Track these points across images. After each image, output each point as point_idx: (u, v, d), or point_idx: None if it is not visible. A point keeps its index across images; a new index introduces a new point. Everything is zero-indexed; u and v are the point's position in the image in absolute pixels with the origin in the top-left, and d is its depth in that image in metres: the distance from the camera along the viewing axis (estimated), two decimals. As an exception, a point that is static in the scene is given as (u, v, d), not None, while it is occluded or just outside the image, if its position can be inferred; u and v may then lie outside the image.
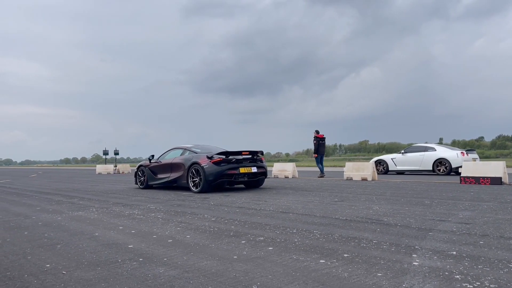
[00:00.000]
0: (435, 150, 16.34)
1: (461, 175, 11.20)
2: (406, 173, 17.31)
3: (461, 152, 15.76)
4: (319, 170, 16.12)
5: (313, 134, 15.81)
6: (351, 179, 13.87)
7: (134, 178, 12.34)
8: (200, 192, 9.64)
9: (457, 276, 2.68)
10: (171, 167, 10.89)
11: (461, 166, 14.49)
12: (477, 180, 10.72)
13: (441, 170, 15.99)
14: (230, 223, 5.07)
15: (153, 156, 12.03)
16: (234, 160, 9.90)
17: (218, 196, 8.72)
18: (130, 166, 30.59)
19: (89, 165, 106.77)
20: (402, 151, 17.54)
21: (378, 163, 17.74)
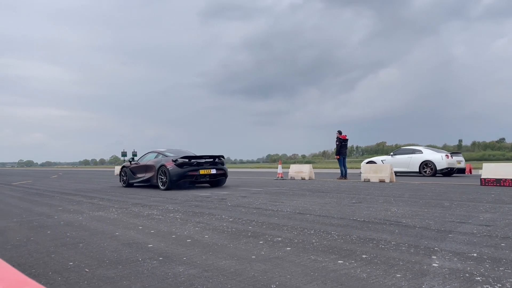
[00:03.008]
0: (422, 153, 17.12)
1: (482, 176, 11.00)
2: (397, 174, 17.73)
3: (446, 155, 16.48)
4: (340, 172, 15.79)
5: (334, 135, 15.64)
6: (368, 180, 13.76)
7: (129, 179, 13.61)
8: (166, 189, 11.31)
9: (478, 278, 2.65)
10: (146, 168, 12.66)
11: (446, 168, 16.40)
12: (498, 181, 10.51)
13: (427, 172, 16.71)
14: (248, 224, 5.10)
15: (133, 158, 14.15)
16: (195, 163, 11.52)
17: (235, 197, 8.77)
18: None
19: (107, 166, 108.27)
20: (391, 153, 18.37)
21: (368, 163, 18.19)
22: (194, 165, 11.52)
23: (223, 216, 5.88)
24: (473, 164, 27.84)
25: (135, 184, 13.56)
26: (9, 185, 15.90)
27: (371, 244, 3.76)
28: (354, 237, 4.14)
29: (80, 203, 8.17)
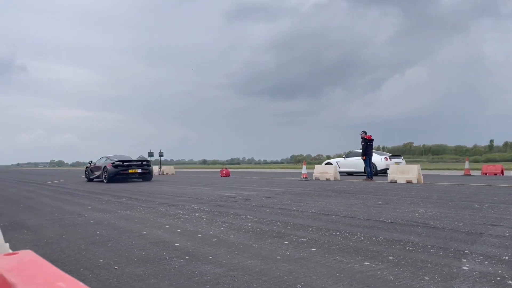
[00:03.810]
0: None
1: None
2: (347, 174, 20.02)
3: (385, 158, 19.01)
4: (366, 172, 15.62)
5: (359, 136, 15.44)
6: (395, 181, 13.54)
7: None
8: (107, 183, 16.45)
9: (510, 282, 2.58)
10: (98, 168, 18.16)
11: (385, 169, 17.89)
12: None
13: None
14: (273, 224, 5.11)
15: (91, 161, 19.54)
16: (126, 165, 17.03)
17: (260, 197, 8.79)
18: (174, 168, 31.44)
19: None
20: (344, 156, 21.11)
21: (328, 165, 20.38)
22: (125, 166, 17.05)
23: (248, 216, 5.91)
24: (505, 165, 26.90)
25: (94, 180, 18.73)
26: (42, 185, 16.44)
27: (398, 246, 3.71)
28: (380, 238, 4.08)
29: (108, 202, 8.37)
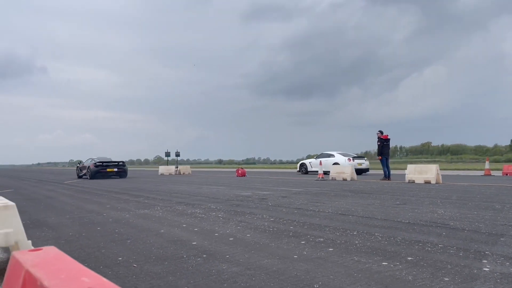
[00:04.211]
0: (334, 157, 22.34)
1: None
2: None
3: (348, 159, 21.45)
4: (383, 172, 15.50)
5: (375, 135, 15.29)
6: (413, 181, 13.36)
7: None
8: (90, 179, 20.26)
9: (533, 284, 2.52)
10: (84, 167, 22.26)
11: None
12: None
13: None
14: (289, 224, 5.10)
15: (80, 161, 23.95)
16: (105, 165, 21.33)
17: (276, 197, 8.79)
18: (191, 168, 31.67)
19: (151, 166, 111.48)
20: (315, 157, 24.06)
21: (301, 165, 24.73)
22: (104, 166, 21.40)
23: (264, 215, 5.91)
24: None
25: (83, 177, 22.37)
26: (61, 184, 16.75)
27: (416, 247, 3.66)
28: (398, 239, 4.04)
29: (126, 201, 8.48)
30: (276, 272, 2.91)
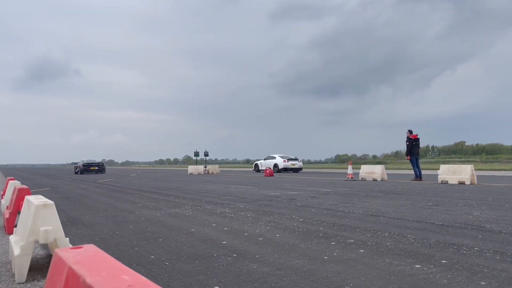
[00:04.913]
0: (275, 158, 27.81)
1: None
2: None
3: (284, 160, 26.92)
4: (414, 173, 15.18)
5: (405, 135, 14.99)
6: (446, 182, 13.01)
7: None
8: (80, 174, 31.10)
9: None
10: (77, 166, 33.15)
11: (284, 168, 26.64)
12: None
13: (275, 170, 26.63)
14: (319, 225, 5.07)
15: (76, 162, 34.84)
16: (89, 165, 32.01)
17: (305, 197, 8.75)
18: (219, 167, 32.02)
19: (181, 165, 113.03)
20: (264, 158, 29.41)
21: (255, 165, 30.41)
22: (89, 165, 31.71)
23: (293, 216, 5.90)
24: None
25: (76, 173, 32.34)
26: (95, 183, 17.25)
27: (451, 249, 3.57)
28: (432, 241, 3.95)
29: (157, 200, 8.64)
30: (306, 273, 2.91)
